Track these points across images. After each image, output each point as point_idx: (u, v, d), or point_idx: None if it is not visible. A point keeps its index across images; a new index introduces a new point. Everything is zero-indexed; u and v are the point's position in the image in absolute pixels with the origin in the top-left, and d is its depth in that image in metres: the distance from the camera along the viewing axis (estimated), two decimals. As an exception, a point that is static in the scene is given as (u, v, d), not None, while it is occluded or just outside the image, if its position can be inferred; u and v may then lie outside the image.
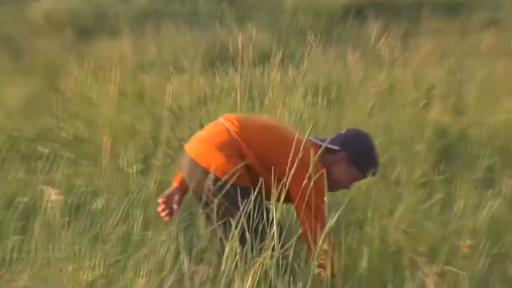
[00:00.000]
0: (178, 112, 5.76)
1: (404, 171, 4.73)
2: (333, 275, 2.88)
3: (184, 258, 2.91)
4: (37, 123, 5.89)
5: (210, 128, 3.26)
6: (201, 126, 4.17)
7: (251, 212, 2.84)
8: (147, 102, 6.30)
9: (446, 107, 6.32)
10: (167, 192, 3.29)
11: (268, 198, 2.82)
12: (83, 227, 3.54)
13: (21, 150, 5.28)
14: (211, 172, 3.02)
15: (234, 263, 2.76)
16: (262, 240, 2.80)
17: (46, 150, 5.01)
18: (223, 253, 2.80)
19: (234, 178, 2.98)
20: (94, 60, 7.52)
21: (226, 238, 2.85)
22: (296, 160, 2.74)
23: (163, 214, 3.26)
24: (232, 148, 3.09)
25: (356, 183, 3.52)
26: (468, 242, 3.36)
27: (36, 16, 11.11)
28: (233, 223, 2.79)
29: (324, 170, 2.79)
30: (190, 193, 3.23)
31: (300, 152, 2.76)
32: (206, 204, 3.06)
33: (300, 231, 2.95)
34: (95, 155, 4.79)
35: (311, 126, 3.25)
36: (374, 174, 3.33)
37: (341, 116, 5.80)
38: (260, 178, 2.91)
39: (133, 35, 9.39)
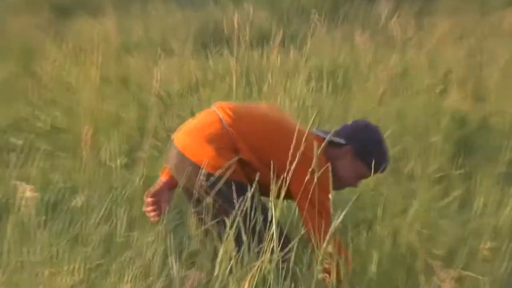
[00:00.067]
0: (167, 99, 5.75)
1: (418, 165, 4.73)
2: (339, 280, 2.87)
3: (173, 261, 2.91)
4: (10, 111, 5.89)
5: (201, 117, 3.25)
6: (192, 114, 4.16)
7: (248, 211, 2.83)
8: (132, 88, 6.29)
9: (465, 93, 6.32)
10: (154, 189, 3.28)
11: (266, 194, 2.81)
12: (61, 227, 3.52)
13: (-8, 142, 5.28)
14: (202, 168, 3.00)
15: (229, 268, 2.75)
16: (260, 241, 2.79)
17: (20, 142, 5.00)
18: (216, 256, 2.80)
19: (228, 173, 2.96)
20: (73, 41, 7.52)
21: (220, 239, 2.84)
22: (298, 154, 2.73)
23: (151, 215, 3.25)
24: (224, 140, 3.07)
25: (365, 180, 3.51)
26: (489, 244, 3.36)
27: (10, -7, 11.09)
28: (228, 223, 2.78)
29: (329, 164, 2.78)
30: (179, 189, 3.22)
31: (302, 145, 2.75)
32: (198, 202, 3.06)
33: (302, 232, 2.94)
34: (75, 147, 4.79)
35: (314, 115, 3.24)
36: (382, 170, 3.32)
37: (348, 103, 5.80)
38: (257, 173, 2.90)
39: (117, 13, 9.37)
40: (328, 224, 2.85)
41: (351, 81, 6.57)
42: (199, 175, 3.00)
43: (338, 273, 2.83)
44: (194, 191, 3.04)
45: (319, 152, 2.69)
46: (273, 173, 2.78)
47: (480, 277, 3.12)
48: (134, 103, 5.74)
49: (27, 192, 3.26)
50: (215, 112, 3.17)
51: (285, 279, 2.77)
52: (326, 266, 2.81)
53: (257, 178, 2.86)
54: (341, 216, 2.67)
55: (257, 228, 2.86)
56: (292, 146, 2.75)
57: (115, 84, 6.40)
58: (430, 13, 9.93)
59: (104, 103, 5.75)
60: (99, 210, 3.64)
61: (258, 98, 5.56)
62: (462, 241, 3.57)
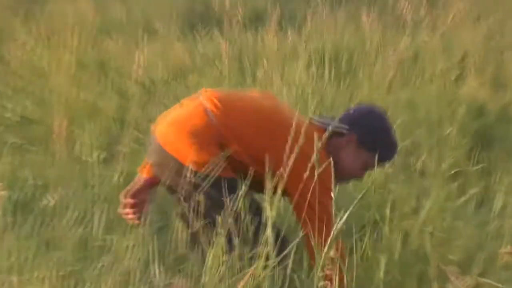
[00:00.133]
0: (150, 87, 5.74)
1: (431, 160, 4.73)
2: (342, 289, 2.87)
3: (156, 268, 2.91)
4: (-26, 100, 5.86)
5: (185, 107, 3.22)
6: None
7: (240, 211, 2.82)
8: (111, 74, 6.28)
9: (483, 80, 6.33)
10: (133, 187, 3.28)
11: (260, 191, 2.80)
12: (30, 230, 3.52)
13: (-46, 135, 5.26)
14: (186, 166, 2.99)
15: (219, 274, 2.74)
16: (254, 246, 2.78)
17: (-15, 134, 5.00)
18: (204, 262, 2.80)
19: (215, 171, 2.95)
20: (46, 22, 7.49)
21: (209, 243, 2.83)
22: (295, 149, 2.71)
23: (130, 217, 3.26)
24: (210, 135, 3.05)
25: (372, 175, 3.51)
26: (509, 248, 3.36)
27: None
28: (217, 225, 2.77)
29: (330, 160, 2.77)
30: (162, 188, 3.22)
31: (300, 138, 2.73)
32: (183, 202, 3.04)
33: (301, 235, 2.94)
34: (47, 140, 4.79)
35: (315, 105, 3.23)
36: (389, 160, 3.35)
37: (352, 91, 5.80)
38: (250, 168, 2.91)
39: (95, -9, 9.37)
40: (329, 227, 2.85)
41: (356, 67, 6.58)
42: (183, 174, 2.99)
43: (341, 280, 2.83)
44: (178, 191, 3.03)
45: (320, 145, 2.67)
46: (268, 169, 2.76)
47: (499, 285, 3.12)
48: (113, 91, 5.74)
49: (-7, 190, 3.26)
50: (200, 103, 3.14)
51: (282, 287, 2.76)
52: (328, 272, 2.81)
53: (250, 174, 2.86)
54: (345, 217, 2.66)
55: (251, 231, 2.85)
56: (288, 139, 2.74)
57: (92, 70, 6.38)
58: (445, -9, 9.94)
59: (80, 91, 5.74)
60: (74, 210, 3.64)
61: (252, 85, 5.58)
62: (479, 245, 3.59)
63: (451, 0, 9.00)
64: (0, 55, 6.97)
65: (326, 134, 2.78)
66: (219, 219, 2.79)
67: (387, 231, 3.58)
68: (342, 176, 3.19)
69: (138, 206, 3.25)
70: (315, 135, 2.69)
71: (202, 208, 2.98)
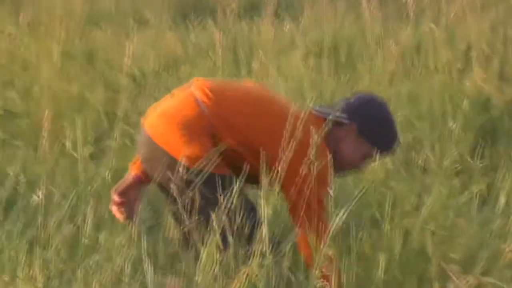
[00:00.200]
0: (141, 79, 5.75)
1: (433, 156, 4.74)
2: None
3: (147, 267, 2.92)
4: (-43, 93, 5.87)
5: (175, 98, 3.22)
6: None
7: (234, 208, 2.84)
8: (100, 65, 6.29)
9: (489, 73, 6.32)
10: (123, 184, 3.28)
11: (255, 183, 2.82)
12: (17, 228, 3.53)
13: None
14: (179, 161, 2.99)
15: (212, 273, 2.76)
16: (249, 243, 2.81)
17: (-31, 129, 5.01)
18: (198, 260, 2.82)
19: (208, 166, 2.97)
20: (32, 12, 7.48)
21: (202, 241, 2.85)
22: (291, 141, 2.74)
23: (119, 215, 3.26)
24: (201, 126, 3.05)
25: (372, 173, 3.52)
26: (513, 246, 3.39)
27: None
28: (211, 223, 2.79)
29: (329, 154, 2.80)
30: (153, 184, 3.23)
31: (297, 131, 2.76)
32: (175, 199, 3.03)
33: (297, 233, 2.96)
34: (33, 135, 4.78)
35: (313, 99, 3.25)
36: (390, 150, 3.36)
37: (352, 84, 5.81)
38: (245, 162, 2.92)
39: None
40: (326, 224, 2.88)
41: (356, 58, 6.57)
42: (175, 169, 2.99)
43: (339, 280, 2.86)
44: (170, 187, 3.02)
45: (318, 137, 2.69)
46: (263, 162, 2.78)
47: (502, 284, 3.15)
48: (102, 84, 5.74)
49: (-23, 187, 3.28)
50: (191, 94, 3.14)
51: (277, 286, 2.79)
52: (325, 272, 2.84)
53: (244, 168, 2.88)
54: (344, 215, 2.69)
55: (245, 228, 2.87)
56: (284, 131, 2.76)
57: (80, 62, 6.38)
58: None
59: (67, 83, 5.74)
60: (62, 207, 3.62)
61: (247, 77, 5.56)
62: (482, 243, 3.59)
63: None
64: (-16, 46, 6.98)
65: (325, 125, 2.80)
66: (212, 216, 2.80)
67: (388, 229, 3.61)
68: (342, 166, 3.21)
69: (127, 204, 3.25)
70: (314, 127, 2.71)
71: (195, 205, 3.00)
